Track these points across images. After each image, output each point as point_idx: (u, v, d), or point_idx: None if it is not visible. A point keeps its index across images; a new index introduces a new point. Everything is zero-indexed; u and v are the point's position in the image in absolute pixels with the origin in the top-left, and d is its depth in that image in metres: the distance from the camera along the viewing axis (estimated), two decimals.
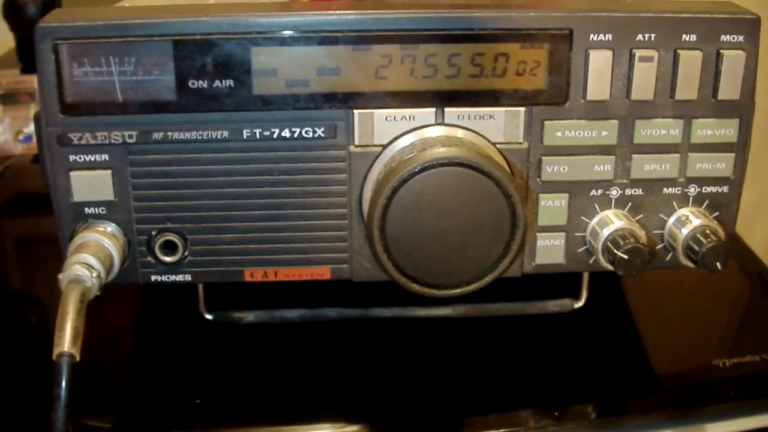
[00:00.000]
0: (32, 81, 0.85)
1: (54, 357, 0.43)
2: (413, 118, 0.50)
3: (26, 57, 0.94)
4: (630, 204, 0.53)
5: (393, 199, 0.47)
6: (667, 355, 0.60)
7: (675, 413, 0.54)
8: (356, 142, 0.50)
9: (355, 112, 0.50)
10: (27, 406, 0.53)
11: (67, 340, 0.44)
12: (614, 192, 0.53)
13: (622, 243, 0.50)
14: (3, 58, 0.99)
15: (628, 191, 0.52)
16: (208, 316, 0.59)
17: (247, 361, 0.57)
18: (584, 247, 0.53)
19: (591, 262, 0.53)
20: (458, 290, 0.49)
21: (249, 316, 0.59)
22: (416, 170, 0.47)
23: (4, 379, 0.56)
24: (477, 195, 0.48)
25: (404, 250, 0.48)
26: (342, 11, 0.49)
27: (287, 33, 0.48)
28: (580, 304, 0.61)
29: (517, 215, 0.48)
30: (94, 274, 0.48)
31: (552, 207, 0.52)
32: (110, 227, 0.51)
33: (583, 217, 0.53)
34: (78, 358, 0.44)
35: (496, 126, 0.51)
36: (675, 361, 0.60)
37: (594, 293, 0.61)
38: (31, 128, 0.84)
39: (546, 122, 0.51)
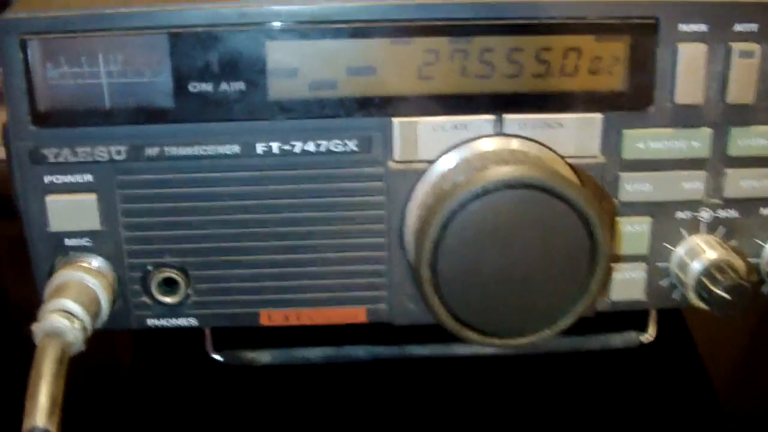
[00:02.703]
0: None
1: None
2: (466, 128, 0.38)
3: None
4: (722, 228, 0.41)
5: (447, 229, 0.35)
6: (739, 392, 0.49)
7: None
8: (396, 158, 0.38)
9: (395, 120, 0.38)
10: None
11: (41, 412, 0.33)
12: (704, 214, 0.40)
13: (720, 278, 0.38)
14: None
15: (721, 213, 0.40)
16: (217, 357, 0.47)
17: (262, 411, 0.45)
18: (668, 280, 0.41)
19: (676, 297, 0.41)
20: (524, 339, 0.37)
21: (264, 357, 0.47)
22: (476, 194, 0.35)
23: None
24: (549, 223, 0.35)
25: (459, 291, 0.36)
26: None
27: (310, 24, 0.36)
28: (647, 338, 0.49)
29: (598, 247, 0.36)
30: (77, 325, 0.36)
31: (631, 233, 0.40)
32: (96, 262, 0.39)
33: (667, 245, 0.41)
34: None
35: (566, 136, 0.38)
36: (747, 399, 0.48)
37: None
38: None
39: (626, 131, 0.39)
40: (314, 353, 0.47)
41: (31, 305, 0.57)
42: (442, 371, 0.48)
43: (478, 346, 0.47)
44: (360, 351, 0.47)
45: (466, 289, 0.36)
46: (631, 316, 0.49)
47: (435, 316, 0.37)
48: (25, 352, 0.50)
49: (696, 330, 0.53)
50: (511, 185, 0.35)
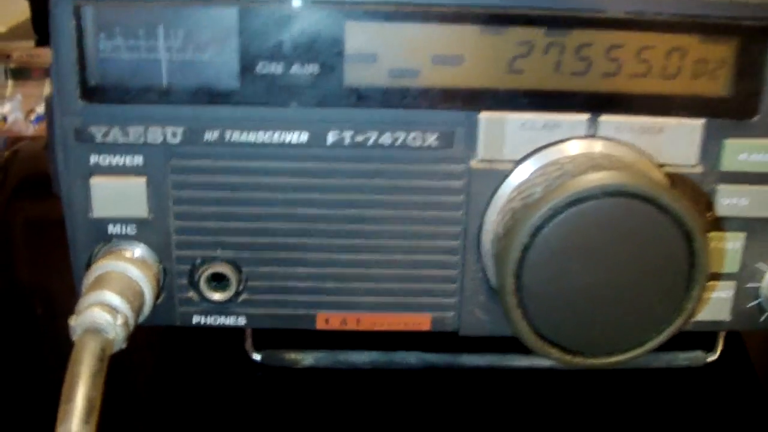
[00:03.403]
0: (47, 54, 0.69)
1: None
2: (557, 127, 0.34)
3: (42, 28, 0.78)
4: None
5: (536, 237, 0.31)
6: None
7: None
8: (480, 156, 0.35)
9: (481, 116, 0.34)
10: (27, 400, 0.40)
11: (77, 417, 0.29)
12: None
13: None
14: (16, 29, 0.82)
15: None
16: (256, 357, 0.43)
17: (302, 417, 0.42)
18: (756, 302, 0.37)
19: (762, 320, 0.38)
20: (610, 359, 0.34)
21: (307, 359, 0.43)
22: (571, 201, 0.31)
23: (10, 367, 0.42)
24: (648, 236, 0.32)
25: (545, 304, 0.32)
26: None
27: (395, 5, 0.32)
28: (713, 357, 0.45)
29: (698, 264, 0.32)
30: (119, 320, 0.32)
31: (723, 250, 0.37)
32: (140, 253, 0.35)
33: (759, 265, 0.37)
34: None
35: (664, 142, 0.35)
36: None
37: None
38: (44, 107, 0.68)
39: (727, 141, 0.35)
40: (361, 358, 0.43)
41: (50, 293, 0.54)
42: (498, 384, 0.44)
43: (536, 358, 0.44)
44: (411, 357, 0.43)
45: (552, 303, 0.32)
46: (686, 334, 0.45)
47: (515, 329, 0.33)
48: (38, 340, 0.47)
49: (753, 350, 0.49)
50: (610, 193, 0.31)
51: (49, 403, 0.30)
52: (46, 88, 0.68)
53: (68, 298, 0.35)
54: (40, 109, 0.68)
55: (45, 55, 0.70)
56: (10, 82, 0.69)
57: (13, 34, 0.78)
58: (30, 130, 0.68)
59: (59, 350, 0.33)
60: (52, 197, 0.38)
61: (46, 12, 0.35)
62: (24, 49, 0.71)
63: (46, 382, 0.41)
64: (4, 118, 0.66)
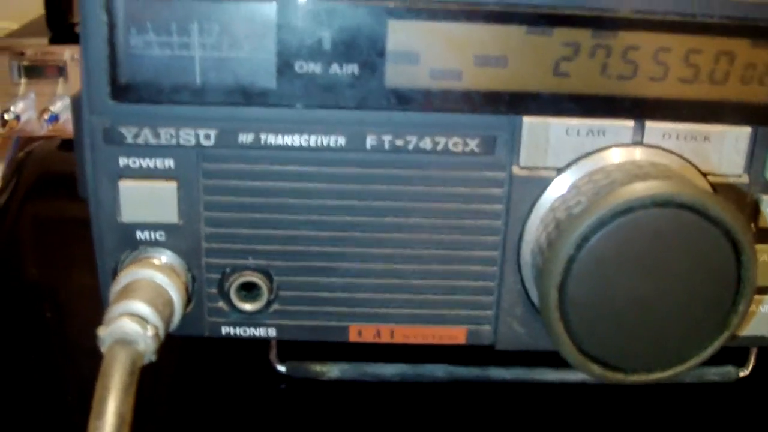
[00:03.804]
0: (61, 52, 0.67)
1: None
2: (603, 134, 0.33)
3: (56, 24, 0.76)
4: None
5: (582, 249, 0.30)
6: None
7: None
8: (522, 163, 0.33)
9: (525, 120, 0.33)
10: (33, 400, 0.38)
11: None
12: None
13: None
14: (29, 26, 0.81)
15: None
16: (281, 368, 0.42)
17: (326, 431, 0.40)
18: None
19: None
20: (653, 375, 0.33)
21: (333, 371, 0.42)
22: (619, 211, 0.30)
23: (19, 365, 0.41)
24: (697, 249, 0.30)
25: (588, 320, 0.31)
26: None
27: (439, 3, 0.31)
28: (745, 372, 0.44)
29: (746, 278, 0.31)
30: (150, 332, 0.31)
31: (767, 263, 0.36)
32: (169, 259, 0.34)
33: None
34: None
35: (710, 150, 0.33)
36: None
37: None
38: (58, 106, 0.67)
39: None
40: (388, 370, 0.42)
41: (64, 294, 0.53)
42: (527, 398, 0.42)
43: (566, 372, 0.42)
44: (438, 371, 0.42)
45: (596, 317, 0.31)
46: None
47: (556, 344, 0.32)
48: (49, 341, 0.45)
49: None
50: (660, 204, 0.30)
51: (64, 408, 0.29)
52: (60, 87, 0.66)
53: (81, 299, 0.34)
54: (54, 108, 0.66)
55: (59, 52, 0.68)
56: (23, 80, 0.67)
57: (27, 31, 0.76)
58: (43, 129, 0.66)
59: (70, 352, 0.32)
60: (66, 198, 0.36)
61: (61, 8, 0.34)
62: (37, 46, 0.69)
63: (56, 383, 0.39)
64: (17, 117, 0.65)
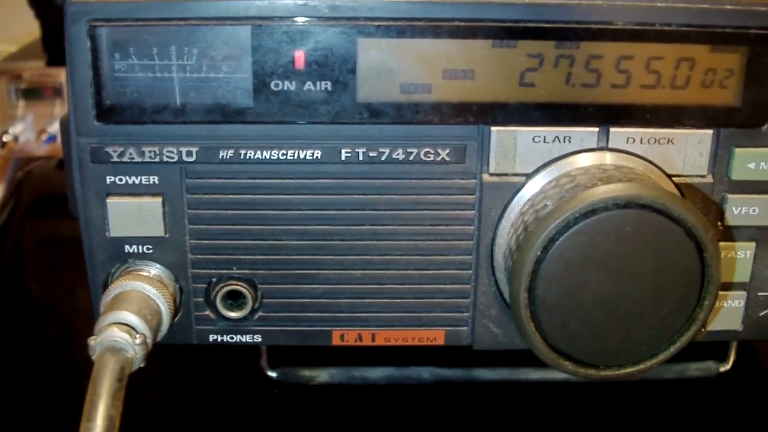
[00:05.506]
0: (58, 74, 0.69)
1: None
2: (569, 140, 0.34)
3: (52, 47, 0.78)
4: None
5: (549, 250, 0.31)
6: None
7: None
8: (491, 170, 0.35)
9: (492, 129, 0.34)
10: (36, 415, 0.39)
11: None
12: None
13: None
14: (27, 49, 0.82)
15: None
16: (271, 374, 0.43)
17: None
18: (767, 311, 0.38)
19: None
20: (623, 370, 0.34)
21: (322, 376, 0.43)
22: (583, 213, 0.31)
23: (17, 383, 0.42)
24: (660, 248, 0.32)
25: (558, 318, 0.32)
26: None
27: (406, 20, 0.32)
28: (726, 367, 0.45)
29: (710, 275, 0.32)
30: (138, 340, 0.32)
31: (734, 259, 0.37)
32: (157, 271, 0.35)
33: None
34: None
35: (674, 153, 0.35)
36: None
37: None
38: (55, 127, 0.68)
39: (737, 150, 0.35)
40: (375, 373, 0.43)
41: (64, 312, 0.54)
42: (511, 398, 0.44)
43: (548, 371, 0.43)
44: (424, 372, 0.43)
45: (565, 315, 0.32)
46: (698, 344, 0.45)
47: (528, 343, 0.33)
48: (51, 357, 0.47)
49: (766, 361, 0.49)
50: (622, 205, 0.31)
51: (63, 418, 0.30)
52: (58, 108, 0.68)
53: (81, 316, 0.35)
54: (52, 128, 0.68)
55: (56, 75, 0.70)
56: (21, 102, 0.69)
57: (24, 54, 0.78)
58: (41, 149, 0.68)
59: (71, 368, 0.33)
60: (64, 217, 0.38)
61: (57, 32, 0.35)
62: (35, 69, 0.71)
63: (57, 398, 0.41)
64: (16, 138, 0.66)
